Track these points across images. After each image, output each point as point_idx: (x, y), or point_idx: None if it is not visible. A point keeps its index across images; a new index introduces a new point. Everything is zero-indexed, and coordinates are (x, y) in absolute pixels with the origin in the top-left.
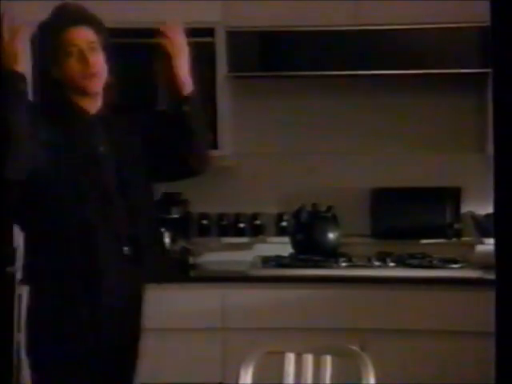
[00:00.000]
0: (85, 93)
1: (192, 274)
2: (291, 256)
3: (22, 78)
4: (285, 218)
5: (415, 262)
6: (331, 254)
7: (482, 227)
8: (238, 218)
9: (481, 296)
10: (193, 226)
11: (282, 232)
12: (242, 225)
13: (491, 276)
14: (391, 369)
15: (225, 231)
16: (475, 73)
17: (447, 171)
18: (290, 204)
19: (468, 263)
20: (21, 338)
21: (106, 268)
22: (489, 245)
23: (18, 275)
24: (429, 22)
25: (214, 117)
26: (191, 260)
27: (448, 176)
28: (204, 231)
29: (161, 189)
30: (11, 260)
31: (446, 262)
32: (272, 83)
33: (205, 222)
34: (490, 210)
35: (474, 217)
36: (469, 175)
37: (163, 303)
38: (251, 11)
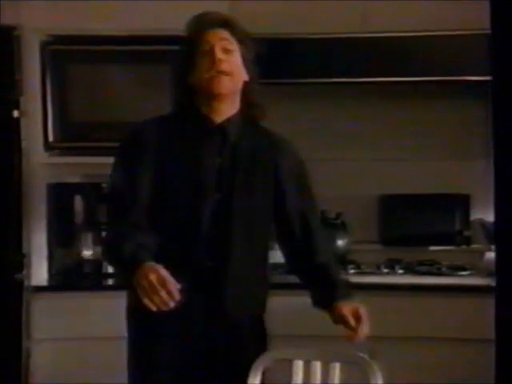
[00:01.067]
0: (210, 95)
1: None
2: None
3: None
4: None
5: (424, 269)
6: (340, 261)
7: (492, 234)
8: None
9: (490, 303)
10: None
11: None
12: None
13: None
14: (400, 376)
15: None
16: (484, 80)
17: (456, 178)
18: None
19: (477, 270)
20: (29, 345)
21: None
22: None
23: (26, 282)
24: (439, 29)
25: None
26: None
27: (457, 183)
28: None
29: None
30: (20, 267)
31: (454, 270)
32: (279, 90)
33: None
34: None
35: (483, 224)
36: (478, 182)
37: None
38: (258, 18)
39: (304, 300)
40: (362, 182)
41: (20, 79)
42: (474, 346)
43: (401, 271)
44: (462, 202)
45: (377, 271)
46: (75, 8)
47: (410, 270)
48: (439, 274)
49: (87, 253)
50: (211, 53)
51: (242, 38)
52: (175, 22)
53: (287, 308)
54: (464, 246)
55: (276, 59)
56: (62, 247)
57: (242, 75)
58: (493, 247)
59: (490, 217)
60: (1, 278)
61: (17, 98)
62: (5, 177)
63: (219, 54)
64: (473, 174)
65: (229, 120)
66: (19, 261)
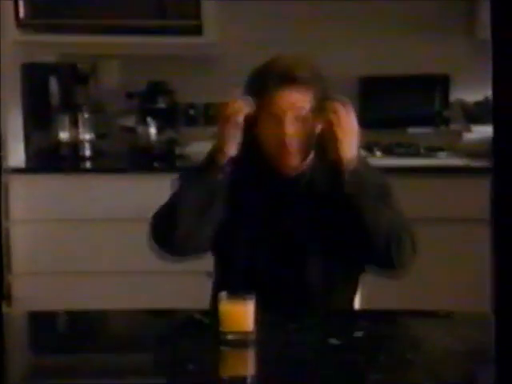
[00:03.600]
0: (281, 166)
1: (178, 164)
2: None
3: (219, 168)
4: None
5: (402, 150)
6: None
7: (471, 115)
8: None
9: (468, 183)
10: (179, 116)
11: None
12: None
13: (478, 164)
14: None
15: (212, 121)
16: None
17: (436, 58)
18: None
19: (455, 151)
20: (8, 225)
21: None
22: (477, 133)
23: (3, 163)
24: None
25: (198, 1)
26: (178, 150)
27: (437, 63)
28: (191, 121)
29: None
30: None
31: (432, 151)
32: None
33: (191, 111)
34: (478, 97)
35: (462, 104)
36: (458, 62)
37: (151, 194)
38: None
39: None
40: (341, 63)
41: None
42: (453, 224)
43: (379, 153)
44: (442, 83)
45: None
46: None
47: (388, 152)
48: (417, 155)
49: (64, 135)
50: (280, 122)
51: (317, 86)
52: None
53: None
54: (443, 127)
55: None
56: (39, 129)
57: (309, 139)
58: (471, 127)
59: (469, 97)
60: None
61: None
62: None
63: (290, 136)
64: (452, 53)
65: (304, 171)
66: None
